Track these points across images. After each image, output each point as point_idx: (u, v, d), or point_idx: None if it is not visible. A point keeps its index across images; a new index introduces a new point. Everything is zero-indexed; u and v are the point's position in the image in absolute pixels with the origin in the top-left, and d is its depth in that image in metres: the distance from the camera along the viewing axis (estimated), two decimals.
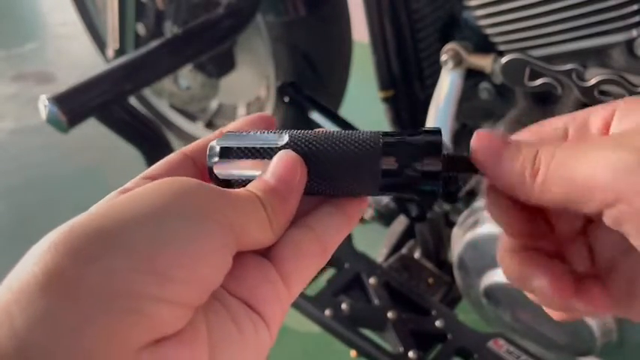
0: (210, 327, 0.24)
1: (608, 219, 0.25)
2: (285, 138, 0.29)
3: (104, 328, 0.21)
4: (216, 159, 0.30)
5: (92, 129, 1.01)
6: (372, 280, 0.90)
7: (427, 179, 0.28)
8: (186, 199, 0.24)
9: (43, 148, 1.85)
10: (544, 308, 0.32)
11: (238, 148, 0.30)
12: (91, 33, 1.66)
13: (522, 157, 0.27)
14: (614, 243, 0.29)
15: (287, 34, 1.21)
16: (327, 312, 0.84)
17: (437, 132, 0.29)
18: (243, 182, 0.29)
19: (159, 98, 1.62)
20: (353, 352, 0.85)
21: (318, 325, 0.86)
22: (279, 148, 0.29)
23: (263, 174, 0.28)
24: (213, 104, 1.56)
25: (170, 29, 1.19)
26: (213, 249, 0.24)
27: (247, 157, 0.29)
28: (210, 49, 1.07)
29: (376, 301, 0.88)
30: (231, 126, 0.32)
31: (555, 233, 0.32)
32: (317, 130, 0.31)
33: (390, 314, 0.84)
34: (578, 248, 0.32)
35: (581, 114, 0.29)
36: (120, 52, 1.19)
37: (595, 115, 0.28)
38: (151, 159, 1.05)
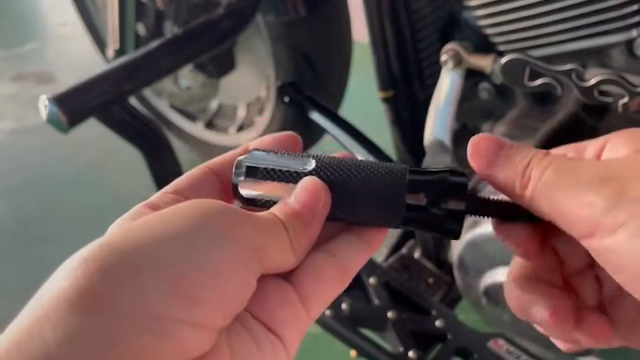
0: (232, 349, 0.24)
1: (587, 249, 0.26)
2: (312, 163, 0.30)
3: (132, 349, 0.21)
4: (242, 178, 0.30)
5: (92, 129, 1.01)
6: (372, 280, 0.90)
7: (450, 219, 0.29)
8: (213, 221, 0.25)
9: (43, 148, 1.85)
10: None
11: (265, 168, 0.30)
12: (91, 33, 1.66)
13: (513, 168, 0.28)
14: None
15: (287, 34, 1.21)
16: (327, 312, 0.84)
17: (463, 174, 0.30)
18: (267, 203, 0.30)
19: (159, 98, 1.62)
20: (353, 352, 0.85)
21: (318, 324, 0.86)
22: (306, 173, 0.29)
23: (288, 198, 0.29)
24: (214, 104, 1.56)
25: (170, 29, 1.19)
26: (238, 271, 0.24)
27: (273, 179, 0.30)
28: (210, 49, 1.07)
29: (376, 301, 0.88)
30: (257, 142, 0.32)
31: (565, 266, 0.33)
32: (344, 156, 0.31)
33: (390, 314, 0.84)
34: (586, 280, 0.32)
35: (577, 146, 0.30)
36: (120, 52, 1.19)
37: (590, 148, 0.30)
38: (151, 159, 1.05)
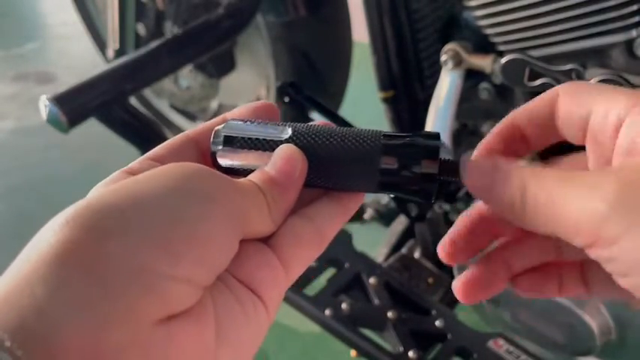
0: (216, 306, 0.25)
1: (592, 257, 0.26)
2: (289, 131, 0.30)
3: (121, 301, 0.21)
4: (220, 146, 0.30)
5: (92, 129, 1.01)
6: (372, 280, 0.90)
7: (423, 181, 0.30)
8: (197, 183, 0.26)
9: (43, 148, 1.85)
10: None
11: (242, 138, 0.30)
12: (92, 33, 1.66)
13: (511, 189, 0.27)
14: None
15: (287, 34, 1.21)
16: (327, 312, 0.84)
17: (436, 136, 0.30)
18: (245, 172, 0.30)
19: (159, 98, 1.62)
20: (353, 352, 0.85)
21: (318, 325, 0.86)
22: (282, 142, 0.30)
23: (265, 166, 0.29)
24: (214, 104, 1.56)
25: (170, 29, 1.19)
26: (223, 232, 0.25)
27: (250, 148, 0.30)
28: (211, 49, 1.07)
29: (376, 301, 0.88)
30: (235, 112, 0.33)
31: None
32: (320, 123, 0.31)
33: (390, 314, 0.84)
34: None
35: (604, 108, 0.29)
36: (120, 52, 1.19)
37: (613, 112, 0.28)
38: None
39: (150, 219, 0.23)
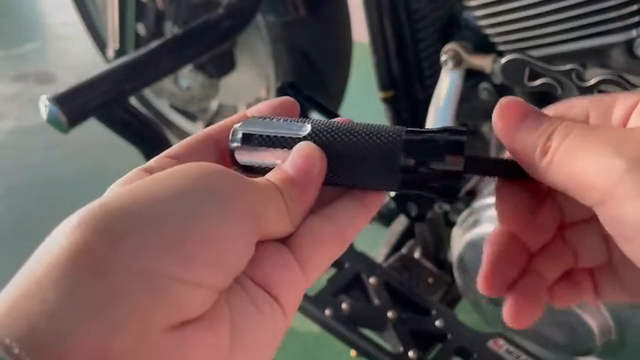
0: (232, 309, 0.24)
1: (598, 215, 0.25)
2: (308, 128, 0.29)
3: (133, 305, 0.21)
4: (238, 144, 0.30)
5: (92, 129, 1.01)
6: (372, 280, 0.90)
7: (447, 178, 0.28)
8: (214, 183, 0.25)
9: (43, 148, 1.85)
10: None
11: (260, 135, 0.30)
12: (92, 33, 1.66)
13: (537, 133, 0.27)
14: None
15: (287, 34, 1.21)
16: (327, 312, 0.84)
17: (462, 132, 0.29)
18: (263, 169, 0.29)
19: (159, 98, 1.62)
20: (353, 352, 0.85)
21: (318, 324, 0.86)
22: (301, 139, 0.29)
23: (283, 164, 0.28)
24: (214, 104, 1.56)
25: (170, 29, 1.19)
26: (240, 234, 0.24)
27: (269, 146, 0.29)
28: (211, 49, 1.07)
29: (376, 301, 0.88)
30: (255, 109, 0.32)
31: (565, 220, 0.32)
32: (340, 120, 0.31)
33: (390, 314, 0.84)
34: (589, 237, 0.32)
35: (607, 99, 0.29)
36: (120, 52, 1.19)
37: (620, 104, 0.28)
38: (150, 159, 1.05)
39: (164, 221, 0.23)
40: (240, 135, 0.30)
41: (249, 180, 0.26)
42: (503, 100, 0.29)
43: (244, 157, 0.30)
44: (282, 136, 0.29)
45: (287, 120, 0.30)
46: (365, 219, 0.30)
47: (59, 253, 0.22)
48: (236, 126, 0.30)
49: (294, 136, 0.29)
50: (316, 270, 0.28)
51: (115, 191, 0.25)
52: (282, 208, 0.27)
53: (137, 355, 0.21)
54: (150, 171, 0.28)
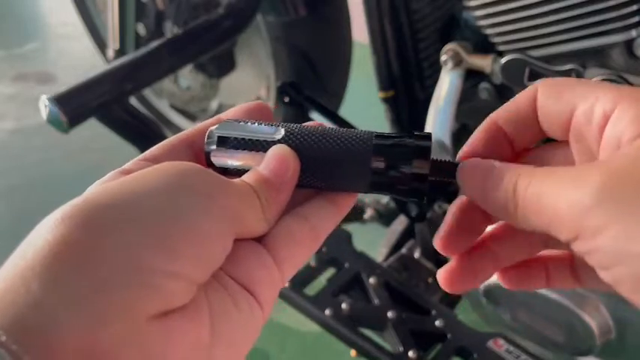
0: (211, 304, 0.25)
1: (575, 251, 0.26)
2: (282, 132, 0.30)
3: (117, 297, 0.22)
4: (213, 147, 0.31)
5: (92, 129, 1.01)
6: (372, 280, 0.90)
7: (414, 181, 0.30)
8: (193, 180, 0.26)
9: (43, 148, 1.85)
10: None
11: (235, 138, 0.30)
12: (92, 33, 1.66)
13: (503, 188, 0.28)
14: None
15: (287, 34, 1.21)
16: (327, 312, 0.84)
17: (427, 137, 0.31)
18: (239, 172, 0.30)
19: (159, 98, 1.62)
20: (353, 352, 0.85)
21: (318, 324, 0.86)
22: (275, 142, 0.30)
23: (258, 166, 0.29)
24: (214, 104, 1.56)
25: (170, 29, 1.19)
26: (218, 229, 0.25)
27: (244, 148, 0.30)
28: (211, 49, 1.07)
29: (376, 301, 0.88)
30: (230, 112, 0.33)
31: None
32: (313, 124, 0.32)
33: (390, 314, 0.84)
34: None
35: (589, 102, 0.28)
36: (120, 52, 1.19)
37: (597, 110, 0.28)
38: None
39: (145, 215, 0.24)
40: (215, 137, 0.31)
41: (227, 180, 0.27)
42: (463, 165, 0.30)
43: (220, 159, 0.31)
44: (257, 139, 0.30)
45: (262, 124, 0.31)
46: (337, 219, 0.31)
47: (43, 246, 0.22)
48: (212, 129, 0.31)
49: (268, 140, 0.30)
50: (292, 268, 0.29)
51: (96, 189, 0.26)
52: (258, 208, 0.28)
53: (124, 345, 0.21)
54: (126, 173, 0.29)
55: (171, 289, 0.23)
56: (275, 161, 0.29)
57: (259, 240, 0.28)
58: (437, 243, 0.34)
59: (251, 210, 0.27)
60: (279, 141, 0.30)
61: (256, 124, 0.31)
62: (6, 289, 0.21)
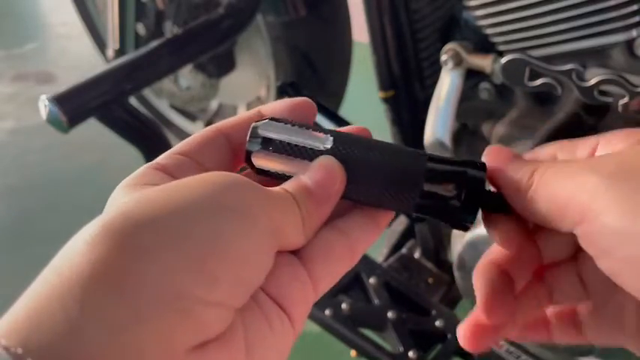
0: (246, 327, 0.24)
1: (578, 238, 0.26)
2: (330, 141, 0.29)
3: (156, 328, 0.21)
4: (257, 147, 0.29)
5: (92, 129, 1.01)
6: (372, 280, 0.90)
7: (464, 211, 0.29)
8: (235, 196, 0.24)
9: (43, 148, 1.85)
10: None
11: (281, 142, 0.29)
12: (92, 33, 1.66)
13: (522, 172, 0.29)
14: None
15: (287, 34, 1.21)
16: (327, 312, 0.84)
17: (482, 166, 0.30)
18: (279, 176, 0.29)
19: (159, 98, 1.62)
20: (353, 352, 0.85)
21: (318, 325, 0.86)
22: (322, 152, 0.29)
23: (302, 175, 0.28)
24: (214, 104, 1.56)
25: (170, 29, 1.19)
26: (261, 250, 0.24)
27: (289, 154, 0.29)
28: (211, 49, 1.07)
29: (376, 301, 0.88)
30: (271, 106, 0.31)
31: (545, 260, 0.34)
32: (360, 131, 0.31)
33: (390, 314, 0.84)
34: (566, 277, 0.33)
35: (569, 144, 0.31)
36: (120, 52, 1.19)
37: (583, 146, 0.30)
38: (150, 159, 1.04)
39: (189, 238, 0.22)
40: (260, 138, 0.29)
41: (270, 192, 0.26)
42: (489, 148, 0.31)
43: (261, 161, 0.29)
44: (304, 147, 0.29)
45: (309, 128, 0.29)
46: (375, 236, 0.30)
47: (80, 265, 0.21)
48: (256, 125, 0.29)
49: (315, 148, 0.29)
50: (326, 285, 0.27)
51: (134, 199, 0.24)
52: (298, 220, 0.26)
53: None
54: (160, 168, 0.27)
55: (210, 318, 0.22)
56: (321, 173, 0.28)
57: (295, 253, 0.27)
58: (481, 313, 0.33)
59: (291, 222, 0.26)
60: (326, 151, 0.29)
61: (304, 128, 0.29)
62: (42, 311, 0.20)
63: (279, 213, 0.25)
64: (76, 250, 0.22)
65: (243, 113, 0.31)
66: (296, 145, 0.29)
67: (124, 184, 0.27)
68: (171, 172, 0.28)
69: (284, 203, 0.26)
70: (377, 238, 0.30)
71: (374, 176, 0.29)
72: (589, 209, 0.25)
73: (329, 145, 0.29)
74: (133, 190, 0.26)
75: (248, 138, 0.29)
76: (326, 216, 0.28)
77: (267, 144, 0.29)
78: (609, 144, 0.29)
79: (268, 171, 0.29)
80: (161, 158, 0.28)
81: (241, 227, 0.24)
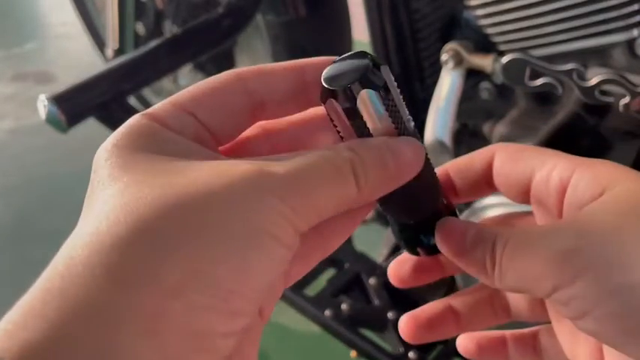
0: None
1: (554, 303, 0.26)
2: (413, 124, 0.26)
3: None
4: (372, 88, 0.23)
5: (92, 129, 1.01)
6: (372, 280, 0.90)
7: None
8: (259, 217, 0.21)
9: (42, 148, 1.85)
10: None
11: (393, 99, 0.24)
12: (91, 33, 1.66)
13: (481, 249, 0.28)
14: None
15: (287, 33, 1.21)
16: (327, 312, 0.84)
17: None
18: (361, 125, 0.24)
19: (159, 98, 1.62)
20: (353, 352, 0.85)
21: (318, 325, 0.86)
22: (410, 132, 0.25)
23: (390, 142, 0.24)
24: None
25: (170, 29, 1.19)
26: (279, 278, 0.25)
27: (390, 113, 0.24)
28: (210, 48, 1.07)
29: (376, 301, 0.88)
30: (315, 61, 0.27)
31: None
32: None
33: (390, 314, 0.84)
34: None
35: (546, 169, 0.29)
36: (119, 51, 1.19)
37: (553, 180, 0.29)
38: None
39: (215, 272, 0.20)
40: (383, 80, 0.23)
41: (293, 184, 0.22)
42: (440, 225, 0.30)
43: (363, 105, 0.23)
44: (402, 117, 0.25)
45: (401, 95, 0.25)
46: (350, 230, 0.28)
47: (115, 307, 0.20)
48: (379, 63, 0.24)
49: (407, 124, 0.25)
50: (295, 279, 0.27)
51: (150, 204, 0.21)
52: (347, 192, 0.23)
53: None
54: (155, 119, 0.24)
55: (228, 347, 0.21)
56: (408, 152, 0.24)
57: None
58: (403, 324, 0.34)
59: (329, 189, 0.23)
60: (413, 131, 0.25)
61: (399, 90, 0.25)
62: (61, 340, 0.19)
63: (307, 199, 0.22)
64: (103, 283, 0.20)
65: (266, 64, 0.26)
66: (400, 109, 0.25)
67: (116, 143, 0.25)
68: (170, 127, 0.25)
69: (313, 180, 0.22)
70: (351, 232, 0.28)
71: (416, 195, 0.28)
72: (561, 275, 0.25)
73: (413, 127, 0.26)
74: (131, 157, 0.24)
75: (365, 73, 0.23)
76: (386, 190, 0.25)
77: (383, 90, 0.24)
78: (578, 189, 0.28)
79: (357, 115, 0.24)
80: (157, 108, 0.25)
81: (270, 256, 0.22)
